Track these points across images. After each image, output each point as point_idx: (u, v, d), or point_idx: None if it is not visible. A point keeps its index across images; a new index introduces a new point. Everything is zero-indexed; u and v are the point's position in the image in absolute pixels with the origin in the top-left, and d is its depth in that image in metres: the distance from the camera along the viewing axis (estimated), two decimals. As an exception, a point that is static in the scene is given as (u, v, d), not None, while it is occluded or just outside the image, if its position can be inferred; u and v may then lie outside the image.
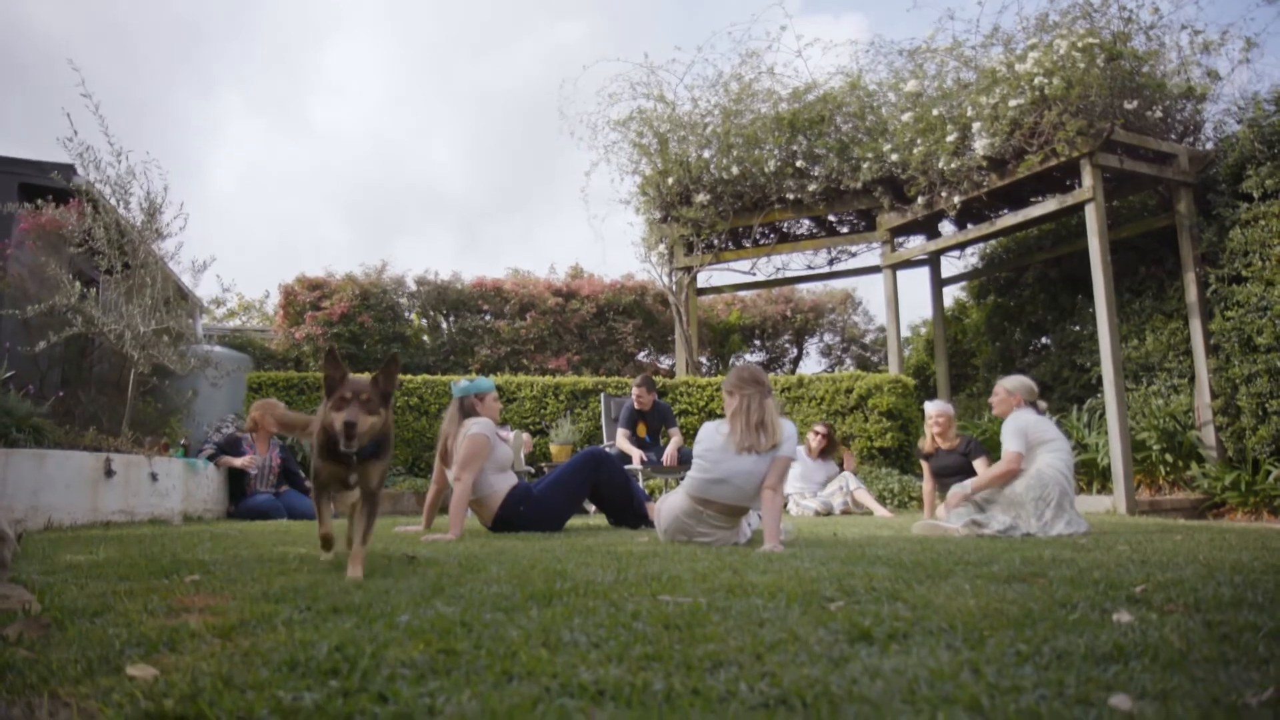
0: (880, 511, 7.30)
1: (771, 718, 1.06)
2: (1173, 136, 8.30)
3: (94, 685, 1.17)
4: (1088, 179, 7.69)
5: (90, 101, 7.00)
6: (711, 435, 3.83)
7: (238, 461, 6.89)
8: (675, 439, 7.56)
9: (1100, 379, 7.99)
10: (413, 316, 13.14)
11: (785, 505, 7.83)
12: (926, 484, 6.37)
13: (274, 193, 50.64)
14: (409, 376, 9.55)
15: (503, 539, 4.06)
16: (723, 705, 1.11)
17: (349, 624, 1.62)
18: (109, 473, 5.38)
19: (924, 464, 6.38)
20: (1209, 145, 8.43)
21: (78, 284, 6.87)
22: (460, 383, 5.01)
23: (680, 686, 1.18)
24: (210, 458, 6.93)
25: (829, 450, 7.86)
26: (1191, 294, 8.02)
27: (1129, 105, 7.53)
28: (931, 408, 6.39)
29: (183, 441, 8.13)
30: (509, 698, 1.12)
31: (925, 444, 6.41)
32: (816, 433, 7.86)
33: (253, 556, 2.95)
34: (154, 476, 5.91)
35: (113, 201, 7.22)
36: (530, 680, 1.22)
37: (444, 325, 13.10)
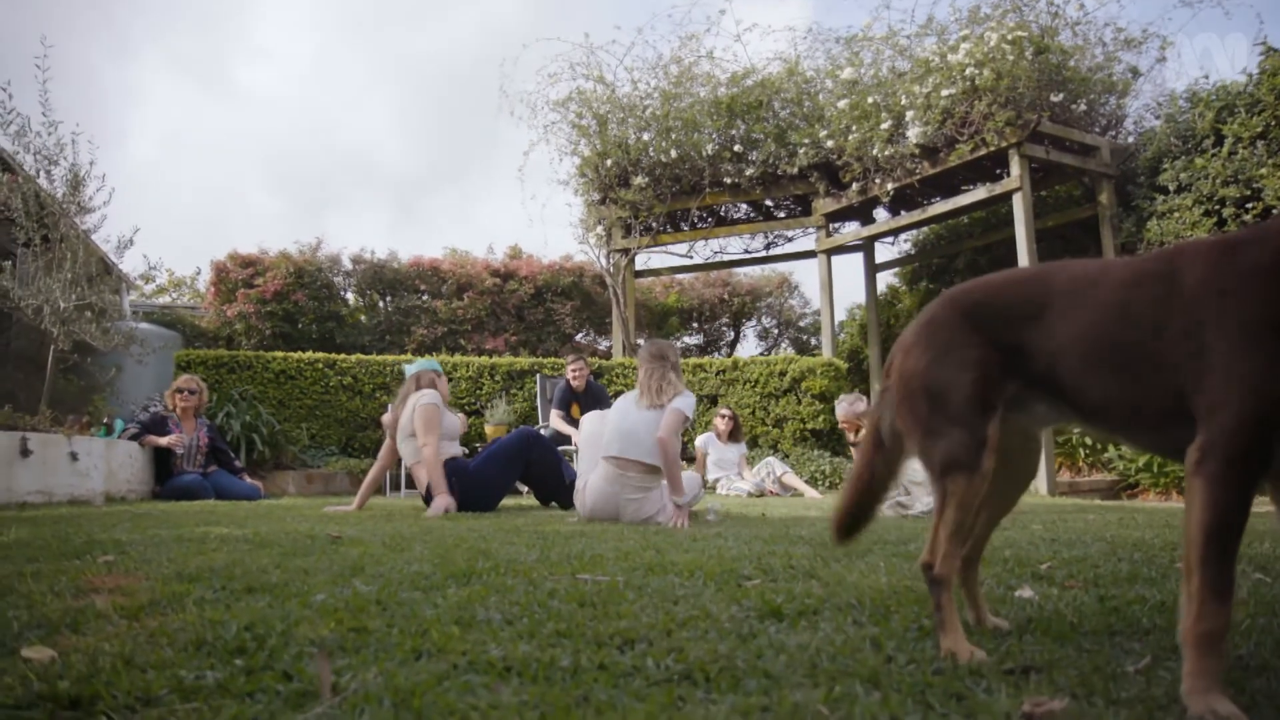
0: (810, 493, 7.43)
1: (674, 691, 1.09)
2: (1096, 130, 8.54)
3: (-14, 667, 1.14)
4: (1015, 169, 7.88)
5: (40, 73, 6.74)
6: (624, 398, 4.39)
7: (161, 440, 6.69)
8: None
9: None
10: (350, 296, 12.94)
11: (714, 488, 7.93)
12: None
13: (199, 160, 49.07)
14: (343, 356, 9.41)
15: (431, 519, 4.04)
16: (627, 680, 1.13)
17: (263, 603, 1.61)
18: (25, 452, 5.21)
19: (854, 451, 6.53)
20: (1130, 139, 8.70)
21: (-9, 256, 6.62)
22: (417, 363, 5.44)
23: (587, 662, 1.20)
24: (134, 437, 6.73)
25: (737, 433, 7.98)
26: (1112, 283, 8.28)
27: (1055, 98, 7.73)
28: (839, 410, 6.49)
29: (105, 420, 7.91)
30: (415, 674, 1.13)
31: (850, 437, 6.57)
32: (723, 416, 7.97)
33: (172, 537, 2.89)
34: (74, 456, 5.73)
35: (33, 171, 6.96)
36: (440, 657, 1.23)
37: (381, 305, 12.92)
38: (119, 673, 1.10)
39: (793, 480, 7.63)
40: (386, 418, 8.15)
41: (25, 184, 6.92)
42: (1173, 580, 1.93)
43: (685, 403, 4.16)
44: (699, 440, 8.01)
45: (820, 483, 8.19)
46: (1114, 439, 1.46)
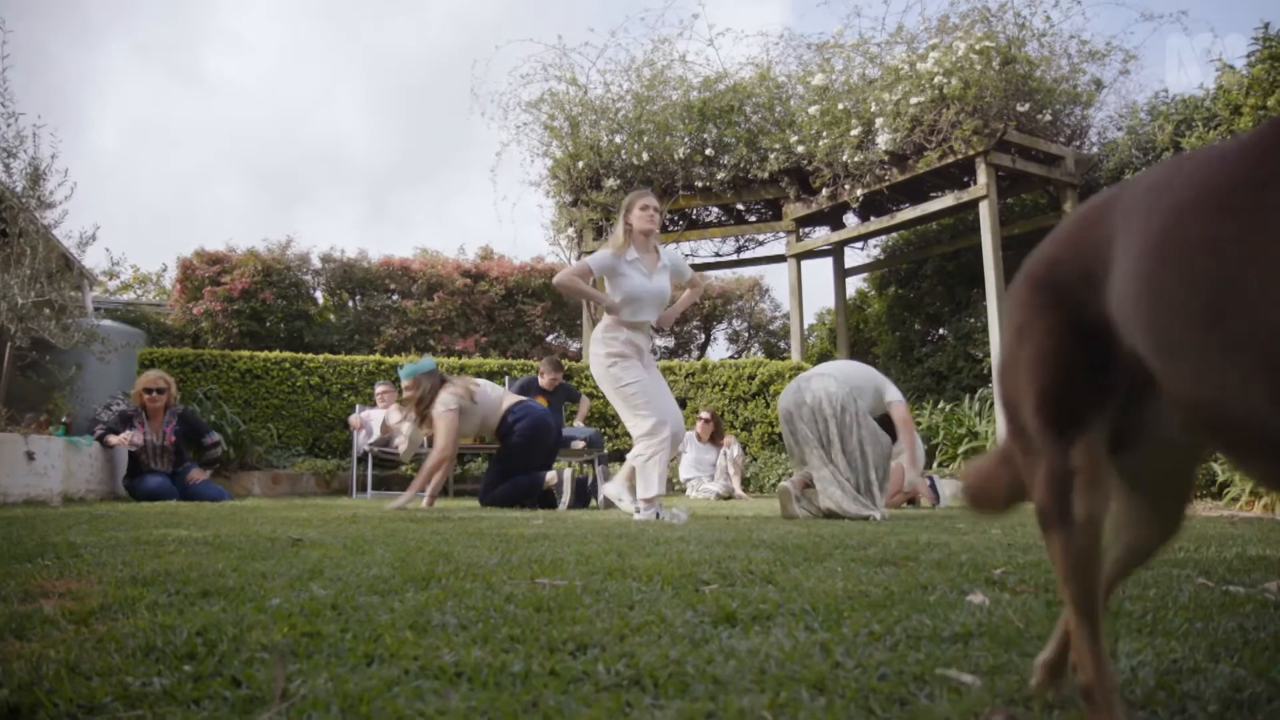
0: (738, 492, 7.59)
1: (622, 697, 1.10)
2: (1061, 139, 8.68)
3: (-74, 674, 1.13)
4: (982, 176, 7.99)
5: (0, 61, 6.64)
6: None
7: (113, 439, 6.52)
8: (585, 403, 7.95)
9: (991, 370, 8.33)
10: (320, 295, 12.84)
11: (684, 488, 7.97)
12: None
13: (163, 151, 48.38)
14: (310, 356, 9.33)
15: (396, 521, 4.02)
16: (576, 685, 1.14)
17: (217, 608, 1.60)
18: (-20, 451, 5.13)
19: None
20: (1094, 149, 8.85)
21: (-53, 251, 6.51)
22: (407, 366, 5.68)
23: (539, 668, 1.21)
24: (98, 437, 6.62)
25: (718, 435, 8.04)
26: (1075, 290, 8.41)
27: (1021, 108, 7.84)
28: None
29: (65, 419, 7.79)
30: (366, 680, 1.13)
31: None
32: (703, 419, 8.01)
33: (129, 539, 2.86)
34: (30, 455, 5.65)
35: (-9, 165, 6.86)
36: (392, 663, 1.23)
37: (350, 304, 12.83)
38: (62, 680, 1.10)
39: (735, 472, 7.77)
40: (354, 418, 8.13)
41: (-16, 178, 6.82)
42: (1119, 587, 1.97)
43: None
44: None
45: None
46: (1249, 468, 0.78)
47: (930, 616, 1.61)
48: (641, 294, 4.63)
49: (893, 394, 5.21)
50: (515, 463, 5.79)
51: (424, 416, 5.59)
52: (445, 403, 5.47)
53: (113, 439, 6.51)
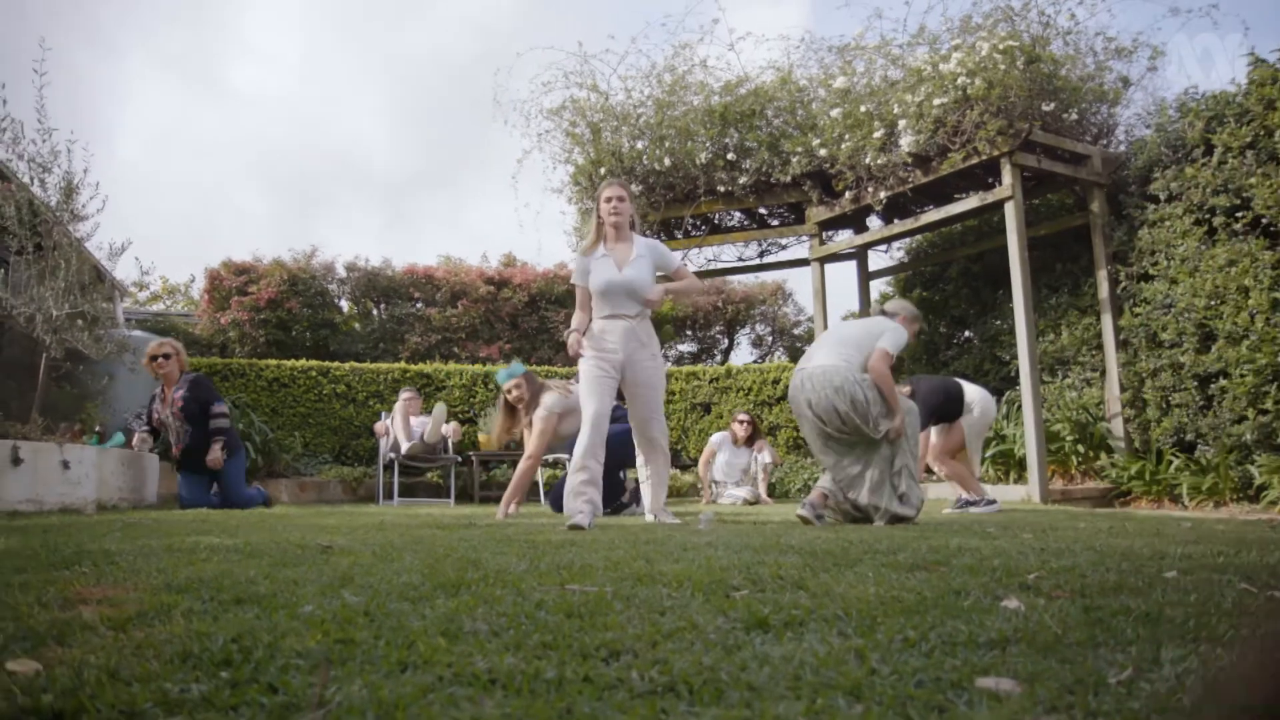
0: (764, 498, 7.55)
1: (657, 704, 1.09)
2: (1087, 138, 8.58)
3: (-30, 681, 1.14)
4: (1007, 177, 7.92)
5: (37, 78, 6.74)
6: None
7: (134, 442, 6.67)
8: None
9: (1018, 372, 8.25)
10: (345, 304, 12.94)
11: (715, 495, 7.94)
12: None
13: (186, 161, 49.03)
14: (336, 364, 9.40)
15: (423, 528, 4.03)
16: (610, 693, 1.14)
17: (251, 615, 1.61)
18: (16, 460, 5.21)
19: None
20: (1121, 148, 8.74)
21: (-16, 264, 6.62)
22: (516, 364, 5.90)
23: (572, 674, 1.21)
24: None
25: (754, 439, 7.99)
26: (1104, 291, 8.32)
27: (1047, 107, 7.77)
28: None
29: (98, 429, 7.89)
30: (400, 687, 1.13)
31: None
32: (740, 421, 7.97)
33: (162, 546, 2.89)
34: (65, 464, 5.73)
35: (27, 179, 6.96)
36: (426, 670, 1.23)
37: (375, 312, 12.92)
38: (103, 686, 1.11)
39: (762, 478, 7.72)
40: (379, 425, 8.18)
41: (19, 192, 6.93)
42: (1158, 590, 1.94)
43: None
44: (713, 438, 7.99)
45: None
46: None
47: (965, 622, 1.59)
48: (608, 288, 4.56)
49: (883, 340, 4.73)
50: (617, 464, 5.85)
51: (522, 418, 5.67)
52: (549, 405, 5.54)
53: (135, 445, 6.67)
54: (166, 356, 6.68)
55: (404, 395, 8.36)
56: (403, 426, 8.02)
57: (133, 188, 43.14)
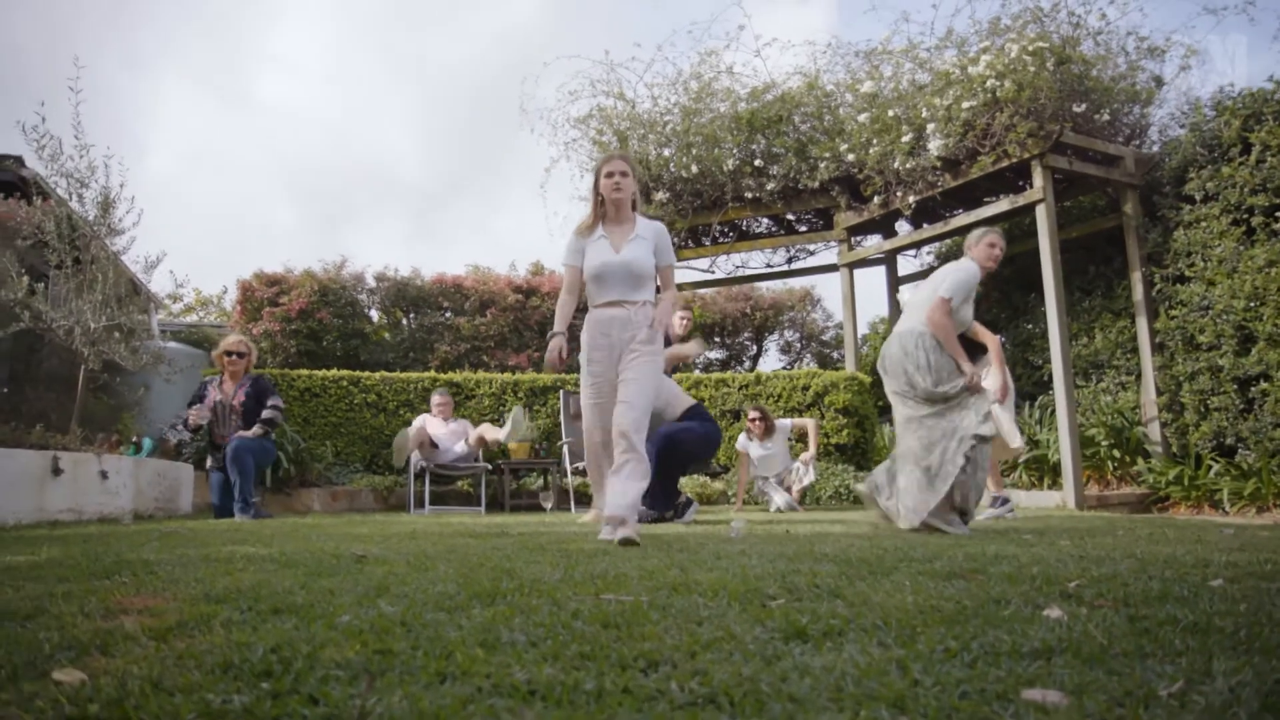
0: (795, 506, 7.49)
1: (698, 715, 1.08)
2: (1120, 139, 8.48)
3: (17, 691, 1.16)
4: (1038, 180, 7.84)
5: (74, 95, 6.88)
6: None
7: (191, 418, 6.58)
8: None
9: (1051, 376, 8.15)
10: (375, 314, 13.05)
11: (757, 495, 7.87)
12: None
13: (216, 173, 49.78)
14: (366, 374, 9.48)
15: (456, 537, 4.04)
16: (651, 704, 1.13)
17: (289, 625, 1.62)
18: (56, 471, 5.29)
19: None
20: (1154, 148, 8.63)
21: (25, 278, 6.73)
22: None
23: (611, 685, 1.20)
24: (182, 426, 6.91)
25: (771, 429, 7.83)
26: (1138, 293, 8.20)
27: (1078, 108, 7.68)
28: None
29: (134, 439, 8.01)
30: (440, 698, 1.13)
31: None
32: (752, 419, 7.85)
33: (199, 556, 2.92)
34: (104, 474, 5.81)
35: (65, 195, 7.09)
36: (464, 680, 1.23)
37: (404, 322, 13.01)
38: (147, 696, 1.11)
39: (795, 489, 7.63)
40: (414, 429, 8.15)
41: (58, 207, 7.05)
42: (1205, 599, 1.90)
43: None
44: (738, 444, 7.93)
45: (844, 499, 8.13)
46: None
47: (1007, 632, 1.57)
48: (602, 270, 4.02)
49: (941, 286, 4.42)
50: (678, 465, 5.78)
51: None
52: None
53: (191, 417, 6.56)
54: (241, 355, 6.77)
55: (436, 400, 8.38)
56: (434, 428, 8.04)
57: (166, 201, 43.95)
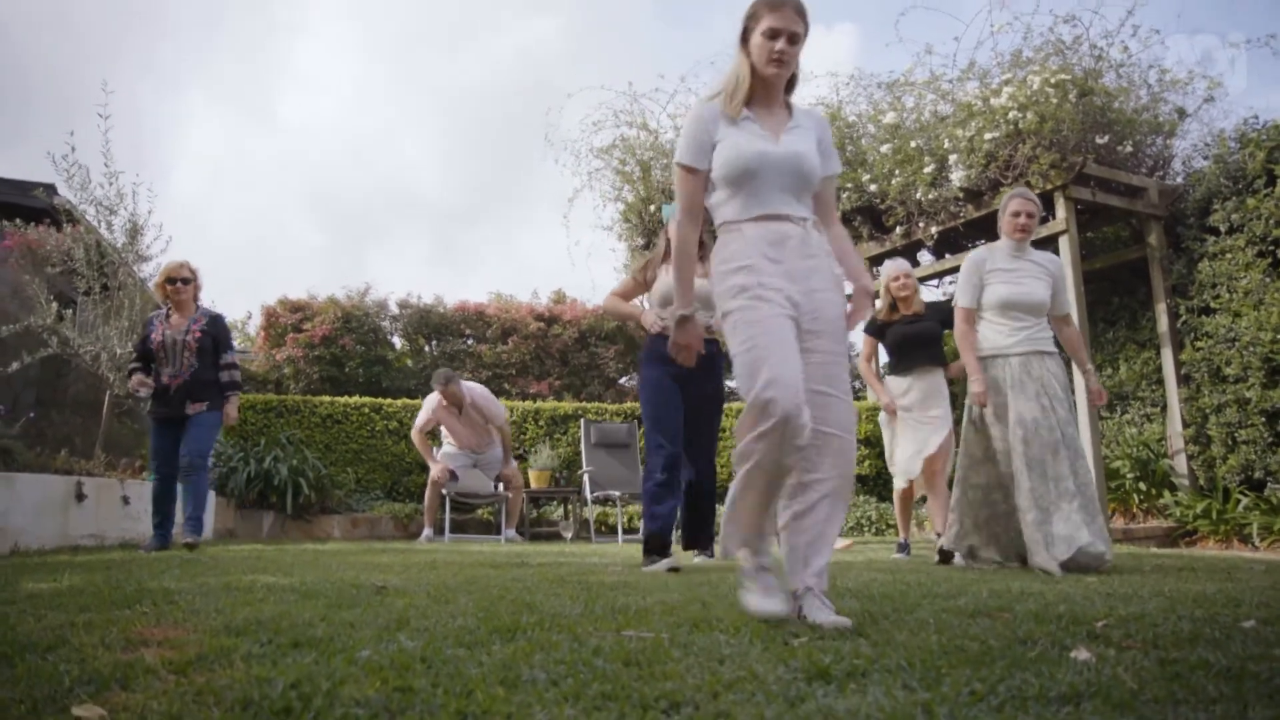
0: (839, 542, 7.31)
1: (720, 761, 1.07)
2: (1143, 170, 8.44)
3: (40, 726, 1.16)
4: (1061, 211, 7.80)
5: (102, 122, 7.01)
6: None
7: (133, 386, 5.52)
8: None
9: (1075, 407, 8.06)
10: (398, 341, 13.13)
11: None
12: (864, 364, 5.99)
13: (239, 194, 50.44)
14: (388, 400, 9.52)
15: (476, 568, 4.03)
16: (673, 747, 1.11)
17: (309, 659, 1.62)
18: (80, 496, 5.33)
19: (868, 339, 5.97)
20: (1178, 179, 8.57)
21: (54, 304, 6.83)
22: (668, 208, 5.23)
23: (633, 727, 1.19)
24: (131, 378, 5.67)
25: None
26: (1163, 324, 8.12)
27: (1100, 140, 7.66)
28: (893, 267, 6.04)
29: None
30: (460, 739, 1.12)
31: (881, 312, 5.95)
32: None
33: (219, 585, 2.92)
34: (126, 500, 5.86)
35: (95, 222, 7.21)
36: (484, 720, 1.22)
37: (427, 349, 13.08)
38: (168, 734, 1.11)
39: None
40: (437, 470, 7.98)
41: (87, 234, 7.17)
42: (1237, 641, 1.86)
43: None
44: None
45: (867, 529, 8.06)
46: None
47: (1034, 674, 1.54)
48: (758, 164, 2.38)
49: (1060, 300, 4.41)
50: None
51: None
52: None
53: (133, 386, 5.53)
54: (186, 281, 5.64)
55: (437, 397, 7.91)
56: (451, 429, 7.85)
57: (190, 224, 44.58)
